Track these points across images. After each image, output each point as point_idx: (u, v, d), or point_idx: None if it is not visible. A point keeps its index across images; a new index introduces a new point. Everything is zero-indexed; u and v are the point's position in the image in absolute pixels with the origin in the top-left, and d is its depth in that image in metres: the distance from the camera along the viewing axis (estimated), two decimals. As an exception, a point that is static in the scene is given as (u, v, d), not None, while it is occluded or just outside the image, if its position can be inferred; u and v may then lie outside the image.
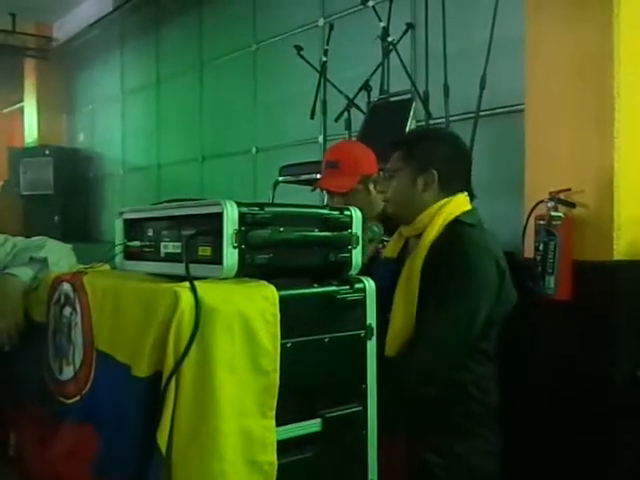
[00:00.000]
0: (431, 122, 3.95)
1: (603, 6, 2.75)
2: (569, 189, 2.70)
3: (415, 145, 1.95)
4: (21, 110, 10.76)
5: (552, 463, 2.57)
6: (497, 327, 1.82)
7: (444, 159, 1.89)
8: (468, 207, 1.90)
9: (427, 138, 2.03)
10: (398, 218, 1.96)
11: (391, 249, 1.99)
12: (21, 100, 10.65)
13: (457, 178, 1.92)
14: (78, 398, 1.45)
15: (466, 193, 1.92)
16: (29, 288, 1.66)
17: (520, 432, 2.31)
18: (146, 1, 7.89)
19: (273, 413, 1.25)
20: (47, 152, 8.79)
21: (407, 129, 3.65)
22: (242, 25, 6.40)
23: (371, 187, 2.38)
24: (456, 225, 1.83)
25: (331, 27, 4.50)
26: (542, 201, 2.72)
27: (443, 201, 1.86)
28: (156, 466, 1.15)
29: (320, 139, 4.86)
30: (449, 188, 1.89)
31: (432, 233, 1.82)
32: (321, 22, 5.45)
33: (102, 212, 9.03)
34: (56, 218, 8.54)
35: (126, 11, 8.26)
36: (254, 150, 6.28)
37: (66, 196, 8.73)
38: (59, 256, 1.74)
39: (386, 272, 1.87)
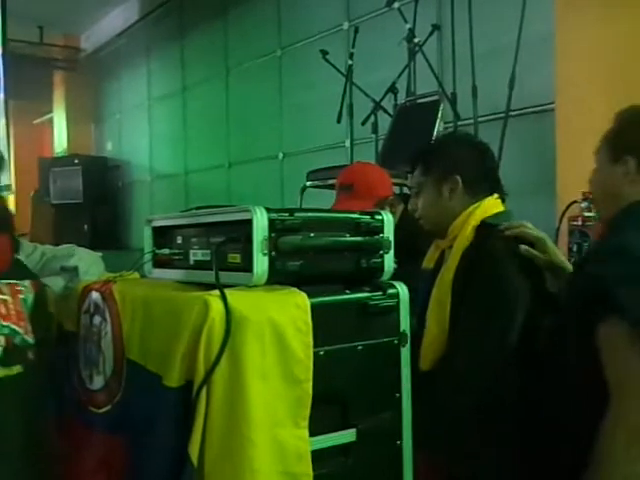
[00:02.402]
0: (459, 123, 3.91)
1: (636, 3, 2.68)
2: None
3: (432, 156, 1.88)
4: (51, 121, 10.92)
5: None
6: (540, 333, 1.73)
7: (465, 162, 1.82)
8: (499, 209, 1.82)
9: (443, 146, 1.96)
10: (435, 234, 1.90)
11: (428, 259, 1.94)
12: (50, 111, 10.81)
13: (482, 180, 1.83)
14: (109, 408, 1.43)
15: (496, 195, 1.85)
16: (61, 298, 1.65)
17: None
18: (171, 10, 7.95)
19: (306, 423, 1.22)
20: (76, 161, 8.89)
21: (435, 130, 3.61)
22: (267, 30, 6.41)
23: (387, 210, 2.35)
24: (485, 230, 1.76)
25: (356, 30, 4.47)
26: (575, 202, 2.67)
27: (472, 207, 1.79)
28: (188, 478, 1.14)
29: (347, 143, 4.84)
30: (477, 192, 1.81)
31: (462, 241, 1.75)
32: (346, 25, 5.42)
33: (130, 220, 9.11)
34: (85, 226, 8.63)
35: (152, 20, 8.35)
36: (281, 155, 6.28)
37: (95, 204, 8.82)
38: (89, 264, 1.73)
39: (424, 285, 1.83)
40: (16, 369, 1.14)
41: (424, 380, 1.57)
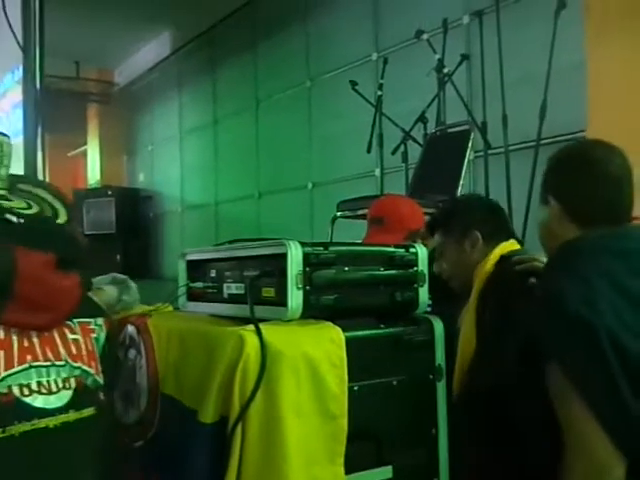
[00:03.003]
0: (490, 152, 3.89)
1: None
2: (637, 218, 2.60)
3: (449, 220, 1.93)
4: (84, 153, 11.15)
5: None
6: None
7: (480, 220, 1.87)
8: (515, 247, 1.85)
9: (459, 207, 2.01)
10: (463, 289, 1.90)
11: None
12: (84, 143, 11.05)
13: (499, 232, 1.88)
14: (142, 442, 1.43)
15: (512, 240, 1.88)
16: (114, 309, 1.59)
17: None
18: (202, 44, 8.11)
19: (342, 460, 1.21)
20: (109, 192, 9.05)
21: (466, 160, 3.60)
22: (296, 62, 6.49)
23: (418, 242, 2.35)
24: (502, 262, 1.77)
25: (385, 61, 4.51)
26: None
27: (492, 253, 1.83)
28: (223, 515, 1.13)
29: (377, 172, 4.85)
30: (495, 242, 1.84)
31: (481, 275, 1.76)
32: (375, 56, 5.47)
33: (162, 250, 9.20)
34: (117, 256, 8.74)
35: (183, 54, 8.52)
36: (310, 185, 6.31)
37: (127, 235, 8.94)
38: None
39: None
40: (87, 412, 1.10)
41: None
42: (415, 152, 4.14)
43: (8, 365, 1.01)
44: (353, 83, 4.49)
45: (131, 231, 9.04)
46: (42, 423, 1.03)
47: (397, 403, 1.32)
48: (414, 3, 5.09)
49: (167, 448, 1.34)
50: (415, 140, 4.21)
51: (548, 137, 3.75)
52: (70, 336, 1.12)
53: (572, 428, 1.26)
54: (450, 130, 4.04)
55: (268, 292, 1.31)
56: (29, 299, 1.04)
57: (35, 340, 1.06)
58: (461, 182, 3.50)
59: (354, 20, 5.76)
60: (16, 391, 1.01)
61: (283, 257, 1.25)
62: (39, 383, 1.04)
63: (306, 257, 1.26)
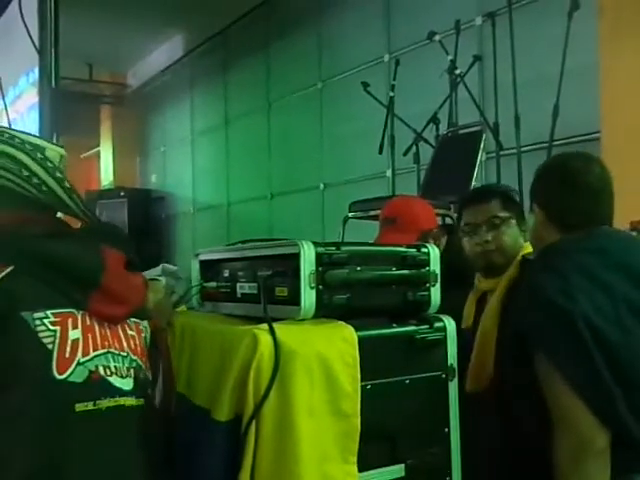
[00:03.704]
0: (502, 153, 3.89)
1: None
2: None
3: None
4: (97, 154, 11.22)
5: None
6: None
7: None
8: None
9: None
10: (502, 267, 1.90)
11: (467, 317, 1.92)
12: (97, 145, 11.11)
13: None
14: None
15: None
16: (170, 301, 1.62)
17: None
18: (214, 46, 8.15)
19: (355, 458, 1.22)
20: (122, 194, 9.11)
21: (478, 161, 3.60)
22: (308, 64, 6.51)
23: (430, 242, 2.35)
24: (524, 264, 1.79)
25: (397, 62, 4.52)
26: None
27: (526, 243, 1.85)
28: (237, 513, 1.13)
29: (388, 173, 4.85)
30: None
31: (507, 277, 1.80)
32: (387, 58, 5.48)
33: (174, 250, 9.25)
34: (131, 257, 8.78)
35: (195, 56, 8.56)
36: (322, 186, 6.32)
37: (140, 235, 8.98)
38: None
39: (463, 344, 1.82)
40: (142, 402, 1.19)
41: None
42: (427, 153, 4.15)
43: (95, 347, 1.13)
44: (365, 84, 4.50)
45: (143, 232, 9.07)
46: (121, 401, 1.14)
47: (409, 402, 1.33)
48: (426, 4, 5.10)
49: (181, 446, 1.35)
50: (427, 141, 4.21)
51: (561, 138, 3.74)
52: (129, 332, 1.22)
53: (558, 407, 1.40)
54: (462, 131, 4.05)
55: (281, 292, 1.32)
56: (112, 291, 1.16)
57: (107, 331, 1.17)
58: (473, 183, 3.50)
59: (366, 21, 5.78)
60: (101, 370, 1.13)
61: (296, 257, 1.26)
62: (115, 367, 1.15)
63: (319, 257, 1.26)
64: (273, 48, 7.11)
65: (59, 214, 1.26)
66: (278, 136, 7.09)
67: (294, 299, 1.27)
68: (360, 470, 1.22)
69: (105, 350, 1.15)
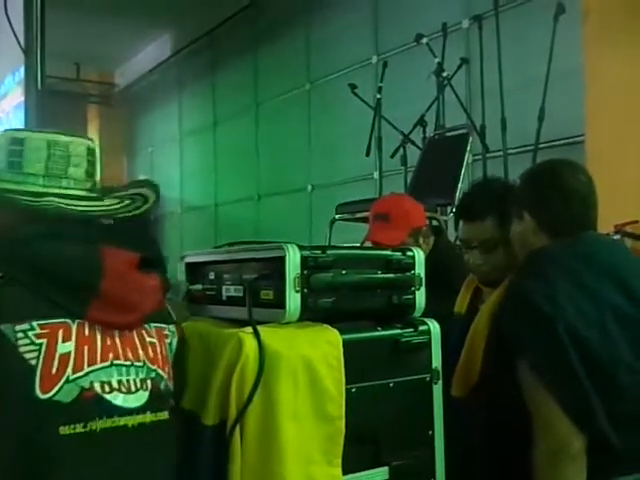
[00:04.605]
0: (488, 156, 3.91)
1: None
2: (636, 221, 2.62)
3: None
4: (84, 154, 11.15)
5: None
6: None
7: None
8: None
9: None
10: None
11: (460, 303, 1.92)
12: (84, 144, 11.04)
13: None
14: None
15: None
16: None
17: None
18: (202, 46, 8.13)
19: (339, 461, 1.22)
20: (109, 194, 9.05)
21: (464, 163, 3.62)
22: (296, 65, 6.51)
23: (420, 240, 2.36)
24: None
25: (385, 64, 4.53)
26: (607, 234, 2.64)
27: None
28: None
29: (375, 175, 4.86)
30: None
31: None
32: (374, 60, 5.49)
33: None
34: (117, 258, 8.74)
35: (183, 56, 8.54)
36: (309, 188, 6.32)
37: (126, 236, 8.94)
38: None
39: (456, 330, 1.81)
40: (162, 415, 1.09)
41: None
42: (414, 155, 4.17)
43: (91, 361, 1.01)
44: (352, 86, 4.51)
45: (130, 232, 9.03)
46: (122, 421, 1.03)
47: (394, 405, 1.33)
48: (414, 7, 5.12)
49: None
50: (414, 143, 4.22)
51: (546, 141, 3.77)
52: (148, 339, 1.12)
53: (537, 411, 1.43)
54: (449, 134, 4.06)
55: (266, 295, 1.32)
56: (114, 297, 1.06)
57: (117, 339, 1.06)
58: (460, 185, 3.52)
59: (354, 24, 5.79)
60: (97, 387, 1.01)
61: (281, 260, 1.26)
62: (119, 381, 1.04)
63: (304, 260, 1.27)
64: (261, 49, 7.10)
65: None
66: (266, 137, 7.09)
67: (279, 302, 1.27)
68: (344, 472, 1.23)
69: (108, 363, 1.03)
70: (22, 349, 0.96)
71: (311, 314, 1.29)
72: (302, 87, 6.43)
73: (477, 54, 4.14)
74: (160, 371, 1.11)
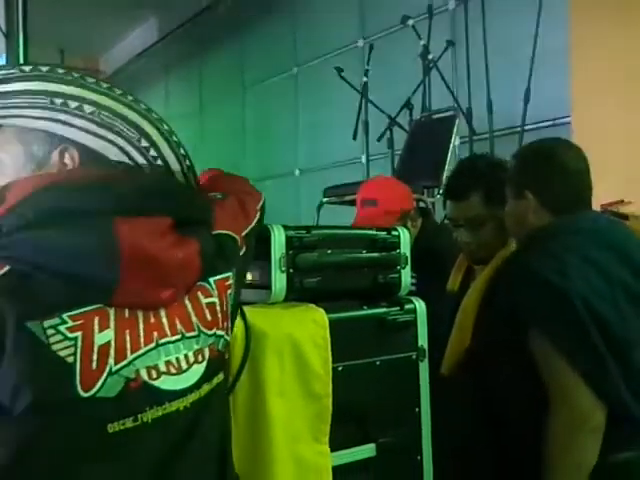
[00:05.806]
0: (475, 138, 3.92)
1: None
2: (621, 201, 2.64)
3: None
4: (70, 141, 11.07)
5: None
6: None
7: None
8: None
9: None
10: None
11: (452, 281, 1.94)
12: (70, 131, 10.95)
13: None
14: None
15: None
16: None
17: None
18: (189, 30, 8.06)
19: (327, 438, 1.24)
20: (96, 180, 9.00)
21: (451, 146, 3.62)
22: (283, 49, 6.47)
23: (409, 223, 2.36)
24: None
25: (371, 47, 4.51)
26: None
27: None
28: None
29: (363, 159, 4.86)
30: None
31: (500, 255, 1.78)
32: (361, 43, 5.47)
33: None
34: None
35: (170, 41, 8.46)
36: (297, 172, 6.31)
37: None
38: None
39: (448, 307, 1.82)
40: (217, 379, 0.98)
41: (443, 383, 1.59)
42: (401, 138, 4.16)
43: (134, 347, 0.89)
44: (339, 70, 4.49)
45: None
46: (173, 406, 0.92)
47: (380, 383, 1.35)
48: (400, -12, 5.09)
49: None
50: (401, 126, 4.22)
51: (532, 123, 3.78)
52: (204, 300, 0.97)
53: (556, 382, 1.41)
54: (435, 116, 4.06)
55: (252, 275, 1.33)
56: (137, 281, 0.88)
57: (162, 313, 0.92)
58: (446, 167, 3.52)
59: (340, 6, 5.75)
60: (144, 375, 0.89)
61: (266, 241, 1.27)
62: (168, 362, 0.92)
63: (289, 240, 1.28)
64: (248, 33, 7.05)
65: None
66: (253, 122, 7.06)
67: (265, 283, 1.28)
68: (332, 450, 1.25)
69: (152, 345, 0.90)
70: (55, 347, 0.83)
71: (297, 294, 1.30)
72: (289, 70, 6.40)
73: (463, 36, 4.13)
74: (219, 332, 0.98)
